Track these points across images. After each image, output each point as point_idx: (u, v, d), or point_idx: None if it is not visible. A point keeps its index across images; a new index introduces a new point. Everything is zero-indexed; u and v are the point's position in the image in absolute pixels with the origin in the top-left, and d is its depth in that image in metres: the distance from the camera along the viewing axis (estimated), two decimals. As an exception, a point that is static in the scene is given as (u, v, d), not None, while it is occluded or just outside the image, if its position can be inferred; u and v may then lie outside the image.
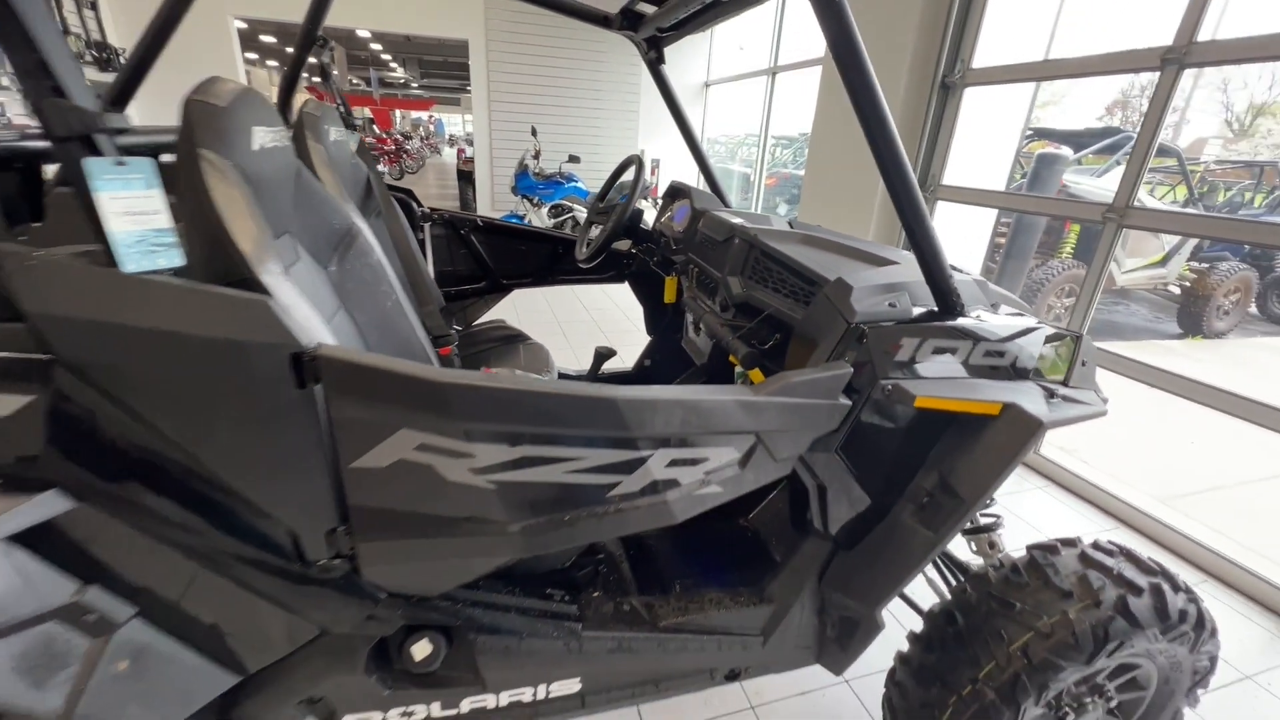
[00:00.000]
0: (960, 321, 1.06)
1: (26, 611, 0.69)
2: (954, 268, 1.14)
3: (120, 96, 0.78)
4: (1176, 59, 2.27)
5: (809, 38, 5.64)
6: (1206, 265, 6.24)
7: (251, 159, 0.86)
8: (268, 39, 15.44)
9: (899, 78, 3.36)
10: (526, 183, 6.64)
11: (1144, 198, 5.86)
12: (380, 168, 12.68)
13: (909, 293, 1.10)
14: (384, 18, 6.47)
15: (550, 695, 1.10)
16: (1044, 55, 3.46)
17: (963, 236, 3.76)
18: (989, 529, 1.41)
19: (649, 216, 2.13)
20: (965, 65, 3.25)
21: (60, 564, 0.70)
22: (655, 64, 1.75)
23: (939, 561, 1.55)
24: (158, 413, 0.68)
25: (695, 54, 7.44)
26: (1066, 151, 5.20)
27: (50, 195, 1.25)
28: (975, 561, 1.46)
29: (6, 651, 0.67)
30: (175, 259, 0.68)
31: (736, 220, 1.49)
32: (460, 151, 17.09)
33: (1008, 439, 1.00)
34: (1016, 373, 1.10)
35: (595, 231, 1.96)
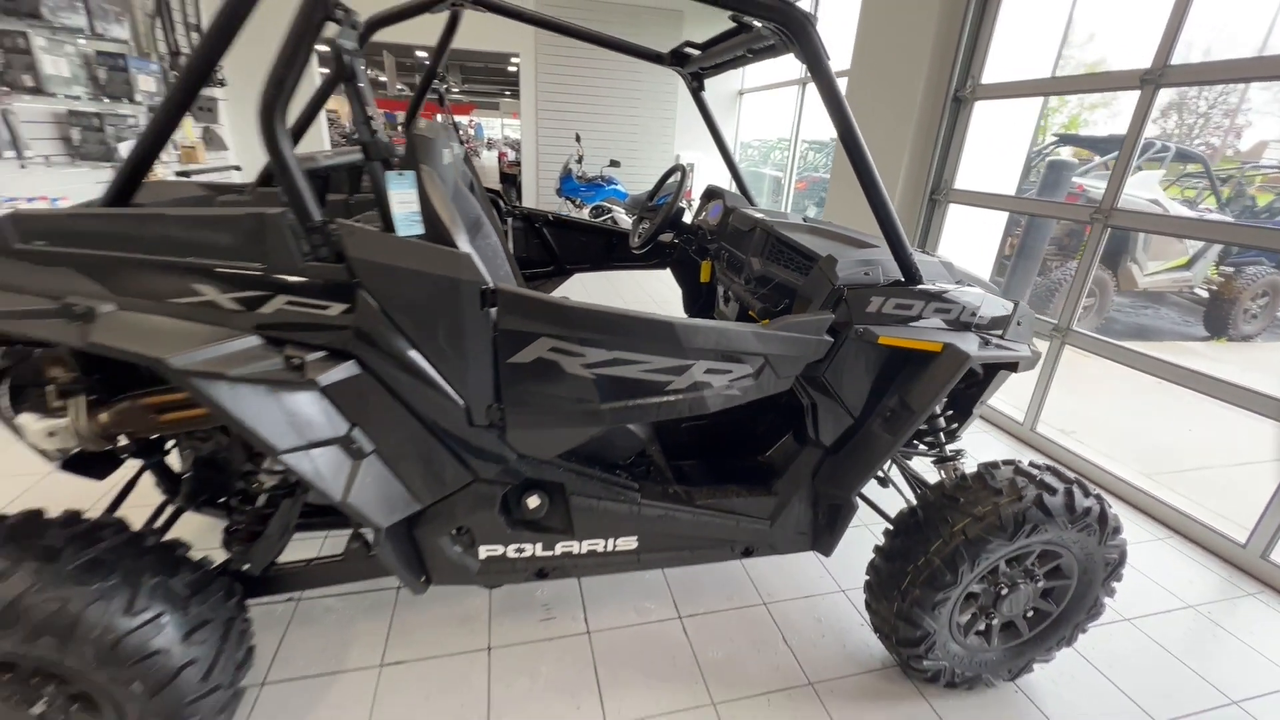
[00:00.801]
0: (917, 287, 1.48)
1: (325, 435, 1.17)
2: (924, 252, 1.55)
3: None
4: (1153, 80, 2.60)
5: (837, 50, 5.99)
6: (1233, 269, 6.33)
7: (444, 169, 1.33)
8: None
9: (915, 93, 3.72)
10: (570, 185, 7.17)
11: (1167, 201, 6.01)
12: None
13: (882, 267, 1.52)
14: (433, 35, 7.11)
15: (615, 549, 1.55)
16: (1052, 67, 3.79)
17: (975, 237, 4.09)
18: (954, 459, 1.81)
19: (688, 214, 2.56)
20: (975, 81, 3.60)
21: (343, 409, 1.18)
22: (696, 92, 2.19)
23: (913, 485, 1.95)
24: (406, 319, 1.15)
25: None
26: (1072, 159, 5.43)
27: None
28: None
29: (318, 457, 1.15)
30: (420, 229, 1.15)
31: (759, 215, 1.92)
32: (502, 155, 17.91)
33: (946, 368, 1.41)
34: (960, 325, 1.51)
35: (644, 225, 2.41)
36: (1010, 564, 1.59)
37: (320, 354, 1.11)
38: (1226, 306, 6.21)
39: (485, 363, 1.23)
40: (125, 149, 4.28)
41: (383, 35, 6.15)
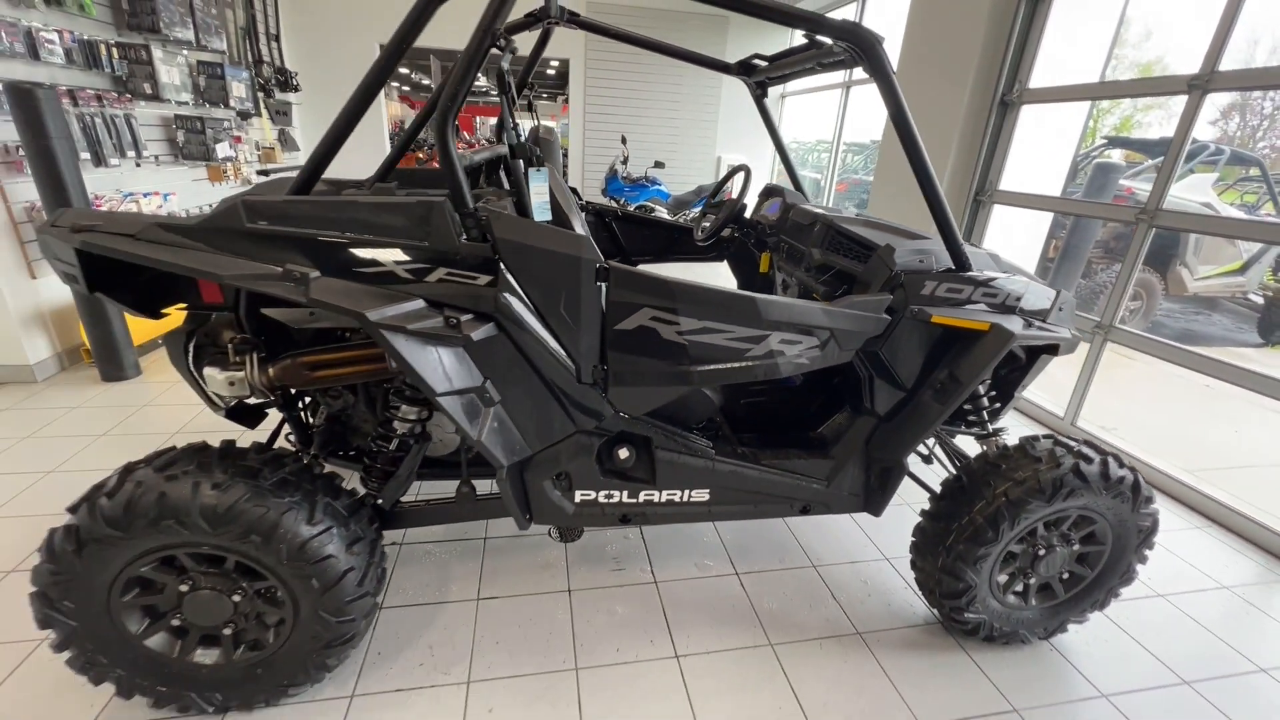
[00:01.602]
0: (966, 274, 1.66)
1: (467, 384, 1.42)
2: (972, 245, 1.73)
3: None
4: (1200, 85, 2.70)
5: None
6: (1291, 274, 6.19)
7: (558, 165, 1.57)
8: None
9: (962, 96, 3.84)
10: (615, 186, 7.43)
11: (1221, 205, 5.91)
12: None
13: (935, 256, 1.70)
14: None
15: (690, 499, 1.77)
16: (1103, 68, 3.86)
17: (1019, 239, 4.18)
18: (995, 435, 1.97)
19: (746, 211, 2.76)
20: (1023, 85, 3.70)
21: (480, 364, 1.43)
22: (760, 99, 2.40)
23: (954, 459, 2.12)
24: (536, 290, 1.39)
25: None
26: (1120, 162, 5.42)
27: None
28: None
29: (461, 401, 1.41)
30: (549, 215, 1.39)
31: (818, 210, 2.12)
32: None
33: (992, 345, 1.58)
34: (1005, 309, 1.68)
35: (708, 220, 2.62)
36: (1048, 528, 1.75)
37: (469, 316, 1.36)
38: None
39: (595, 329, 1.47)
40: (222, 150, 4.70)
41: (428, 40, 6.51)
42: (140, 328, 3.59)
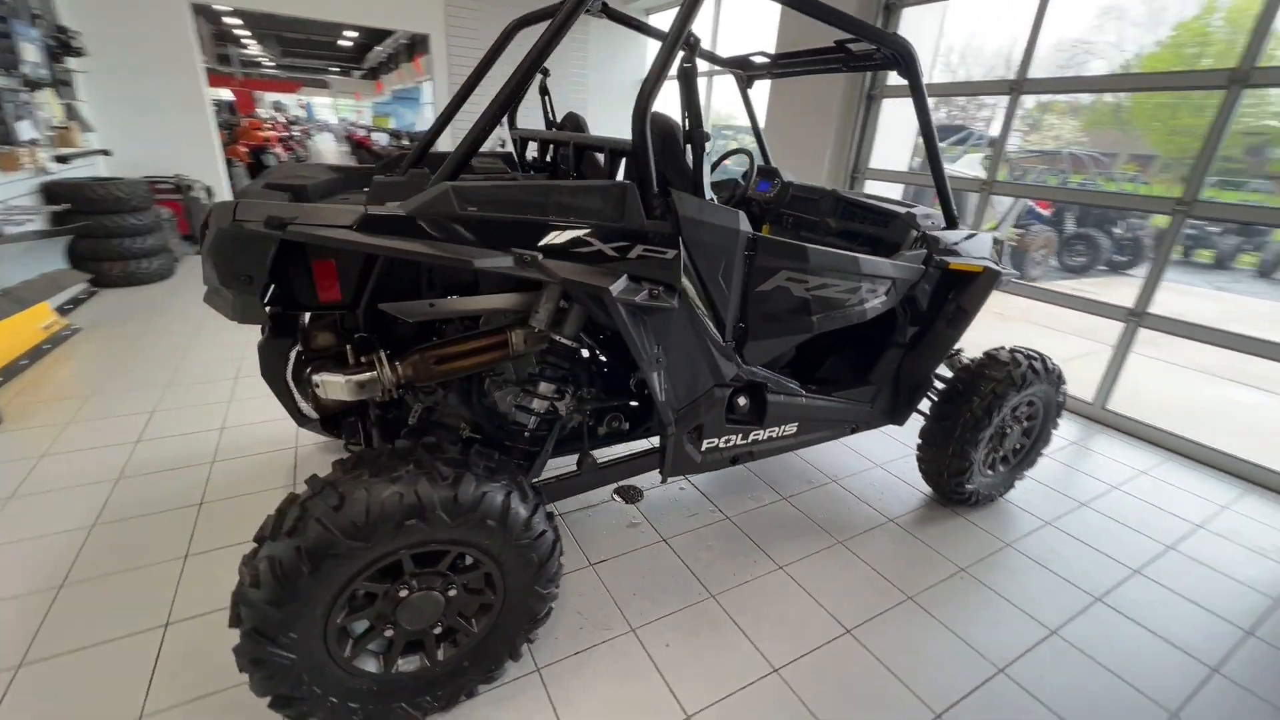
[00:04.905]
0: (960, 229, 2.21)
1: (653, 349, 1.55)
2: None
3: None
4: (1018, 88, 3.69)
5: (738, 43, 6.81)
6: (1024, 229, 8.44)
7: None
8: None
9: (837, 92, 4.61)
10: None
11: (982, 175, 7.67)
12: (277, 151, 12.14)
13: (933, 219, 2.23)
14: (340, 8, 6.67)
15: (783, 434, 2.10)
16: (928, 73, 4.90)
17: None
18: (958, 353, 2.61)
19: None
20: (882, 84, 4.58)
21: (658, 330, 1.57)
22: (745, 90, 2.74)
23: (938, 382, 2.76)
24: (704, 260, 1.56)
25: (632, 50, 8.35)
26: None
27: None
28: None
29: (657, 370, 1.54)
30: (713, 195, 1.57)
31: (822, 186, 2.56)
32: (363, 140, 16.44)
33: (987, 281, 2.17)
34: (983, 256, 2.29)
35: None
36: (1012, 412, 2.44)
37: (661, 287, 1.51)
38: (1021, 256, 8.29)
39: (739, 292, 1.70)
40: (25, 130, 3.66)
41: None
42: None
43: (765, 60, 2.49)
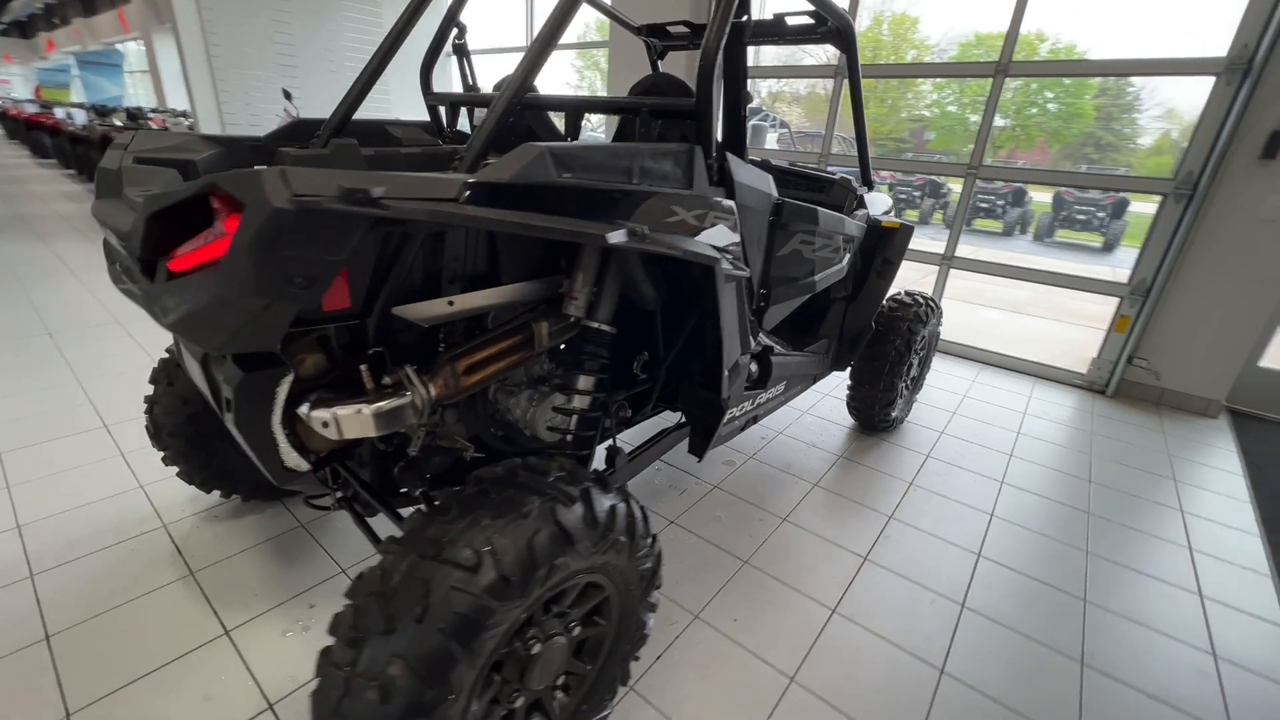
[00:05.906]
0: (876, 190, 2.52)
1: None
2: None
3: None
4: (1003, 70, 4.27)
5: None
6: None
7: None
8: None
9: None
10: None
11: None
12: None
13: (856, 182, 2.50)
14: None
15: (775, 394, 2.19)
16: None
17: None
18: (863, 302, 3.00)
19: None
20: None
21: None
22: (655, 62, 2.71)
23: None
24: (746, 223, 1.52)
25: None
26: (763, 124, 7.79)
27: None
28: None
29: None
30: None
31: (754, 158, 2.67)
32: (38, 119, 12.03)
33: (904, 236, 2.51)
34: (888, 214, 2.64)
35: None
36: (919, 342, 2.90)
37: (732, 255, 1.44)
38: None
39: (762, 255, 1.72)
40: None
41: None
42: None
43: (686, 30, 2.49)
